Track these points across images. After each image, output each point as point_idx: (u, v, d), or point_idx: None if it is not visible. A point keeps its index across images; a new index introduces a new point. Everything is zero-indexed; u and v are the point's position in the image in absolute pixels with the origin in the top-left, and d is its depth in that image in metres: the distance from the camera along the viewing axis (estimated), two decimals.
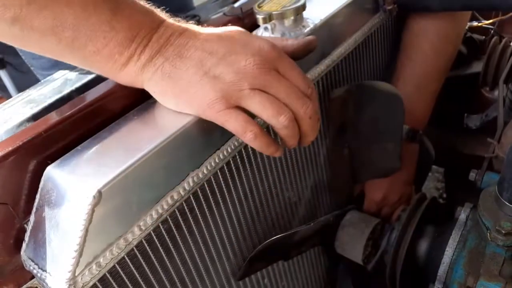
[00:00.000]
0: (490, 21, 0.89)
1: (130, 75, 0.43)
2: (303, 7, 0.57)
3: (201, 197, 0.49)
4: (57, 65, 0.48)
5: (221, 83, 0.41)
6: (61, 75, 0.53)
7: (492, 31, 0.91)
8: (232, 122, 0.42)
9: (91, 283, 0.39)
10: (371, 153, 0.68)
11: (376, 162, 0.69)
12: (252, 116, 0.43)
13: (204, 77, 0.41)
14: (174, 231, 0.47)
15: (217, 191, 0.51)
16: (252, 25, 0.61)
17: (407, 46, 0.79)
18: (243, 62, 0.42)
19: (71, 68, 0.53)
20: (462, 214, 0.58)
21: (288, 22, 0.57)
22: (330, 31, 0.63)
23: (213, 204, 0.51)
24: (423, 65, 0.77)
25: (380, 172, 0.72)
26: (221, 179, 0.51)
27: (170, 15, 0.45)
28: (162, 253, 0.46)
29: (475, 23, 0.91)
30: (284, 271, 0.70)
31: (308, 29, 0.58)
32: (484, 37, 0.92)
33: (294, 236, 0.57)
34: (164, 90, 0.43)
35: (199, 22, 0.57)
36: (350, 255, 0.67)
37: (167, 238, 0.46)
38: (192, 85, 0.42)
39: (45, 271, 0.39)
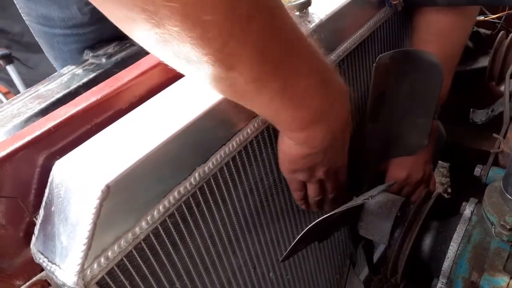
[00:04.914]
0: (497, 15, 0.89)
1: None
2: (308, 2, 0.57)
3: (207, 192, 0.49)
4: None
5: None
6: (68, 70, 0.54)
7: (499, 26, 0.91)
8: None
9: (99, 276, 0.40)
10: (402, 128, 0.64)
11: (404, 138, 0.65)
12: None
13: None
14: (181, 225, 0.47)
15: (223, 186, 0.52)
16: None
17: (420, 27, 0.76)
18: None
19: None
20: (467, 209, 0.58)
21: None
22: (335, 26, 0.62)
23: (219, 198, 0.52)
24: (439, 43, 0.74)
25: (407, 149, 0.68)
26: (227, 174, 0.51)
27: None
28: (169, 246, 0.46)
29: (481, 18, 0.90)
30: (289, 264, 0.71)
31: (313, 24, 0.58)
32: (490, 31, 0.92)
33: (332, 217, 0.55)
34: None
35: None
36: (375, 237, 0.62)
37: (173, 232, 0.46)
38: None
39: (55, 264, 0.39)
